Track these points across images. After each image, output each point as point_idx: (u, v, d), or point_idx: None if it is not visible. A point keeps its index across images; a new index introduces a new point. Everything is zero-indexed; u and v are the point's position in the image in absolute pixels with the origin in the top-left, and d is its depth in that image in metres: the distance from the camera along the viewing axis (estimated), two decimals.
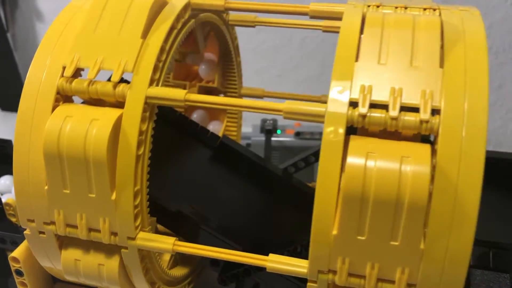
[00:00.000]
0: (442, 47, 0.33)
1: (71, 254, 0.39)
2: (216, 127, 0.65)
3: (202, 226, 0.44)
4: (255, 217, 0.46)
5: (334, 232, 0.32)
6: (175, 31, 0.39)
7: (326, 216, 0.32)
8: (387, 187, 0.30)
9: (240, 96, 0.62)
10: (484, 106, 0.30)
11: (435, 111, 0.31)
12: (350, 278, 0.32)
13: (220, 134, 0.63)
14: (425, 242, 0.30)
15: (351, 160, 0.30)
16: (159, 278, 0.42)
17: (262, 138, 0.70)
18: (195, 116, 0.63)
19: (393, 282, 0.32)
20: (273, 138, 0.71)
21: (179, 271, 0.46)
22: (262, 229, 0.45)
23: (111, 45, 0.37)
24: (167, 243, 0.36)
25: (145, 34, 0.37)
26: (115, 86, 0.36)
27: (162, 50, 0.37)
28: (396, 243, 0.31)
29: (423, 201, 0.29)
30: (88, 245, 0.39)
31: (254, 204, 0.46)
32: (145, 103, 0.35)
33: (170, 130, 0.52)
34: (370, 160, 0.30)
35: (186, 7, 0.40)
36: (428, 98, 0.31)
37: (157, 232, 0.39)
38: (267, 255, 0.36)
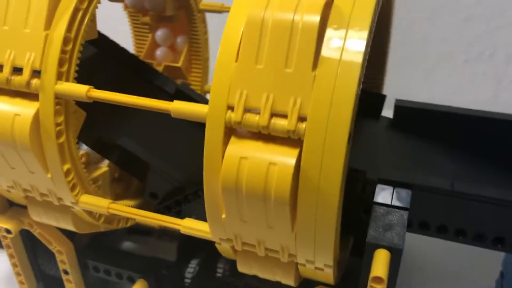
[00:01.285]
0: (323, 36, 0.33)
1: (35, 210, 0.47)
2: (183, 41, 0.66)
3: (152, 168, 0.49)
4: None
5: (223, 216, 0.36)
6: (80, 13, 0.39)
7: (215, 203, 0.36)
8: (256, 186, 0.33)
9: (200, 11, 0.61)
10: (347, 117, 0.31)
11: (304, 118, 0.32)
12: (244, 246, 0.38)
13: (185, 48, 0.65)
14: (294, 228, 0.35)
15: (225, 164, 0.34)
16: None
17: None
18: (159, 34, 0.64)
19: None
20: None
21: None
22: None
23: (19, 40, 0.38)
24: (102, 207, 0.43)
25: (48, 24, 0.38)
26: (27, 83, 0.38)
27: (66, 40, 0.38)
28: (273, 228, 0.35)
29: (285, 200, 0.33)
30: (46, 203, 0.46)
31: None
32: (56, 97, 0.38)
33: (130, 75, 0.55)
34: (242, 165, 0.33)
35: None
36: (296, 106, 0.32)
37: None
38: None
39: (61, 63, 0.38)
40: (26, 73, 0.38)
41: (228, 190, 0.34)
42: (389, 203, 0.40)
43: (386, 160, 0.45)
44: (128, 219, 0.52)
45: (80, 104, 0.42)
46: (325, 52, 0.32)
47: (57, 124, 0.39)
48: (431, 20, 0.81)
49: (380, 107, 0.50)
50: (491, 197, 0.39)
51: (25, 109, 0.39)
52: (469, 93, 0.84)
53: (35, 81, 0.38)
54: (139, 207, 0.54)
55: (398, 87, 0.85)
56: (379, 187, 0.41)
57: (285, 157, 0.33)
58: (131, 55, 0.57)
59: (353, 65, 0.32)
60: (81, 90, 0.38)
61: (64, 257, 0.50)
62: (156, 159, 0.49)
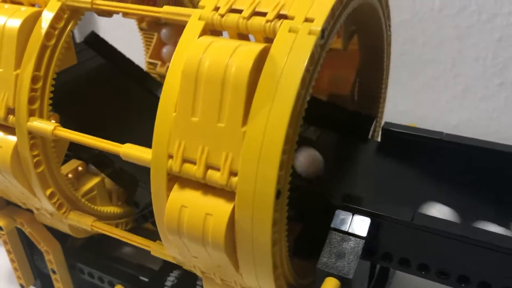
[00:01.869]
0: (255, 89, 0.32)
1: (38, 214, 0.51)
2: None
3: (140, 183, 0.53)
4: None
5: (177, 249, 0.38)
6: (48, 50, 0.41)
7: (167, 239, 0.38)
8: (195, 234, 0.35)
9: None
10: (273, 173, 0.31)
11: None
12: (203, 273, 0.40)
13: None
14: (239, 270, 0.36)
15: (168, 210, 0.35)
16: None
17: None
18: (165, 32, 0.65)
19: None
20: None
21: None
22: None
23: None
24: (87, 224, 0.47)
25: (18, 64, 0.40)
26: (5, 119, 0.41)
27: (35, 79, 0.40)
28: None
29: (221, 248, 0.34)
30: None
31: None
32: (29, 133, 0.41)
33: (135, 86, 0.58)
34: (183, 212, 0.35)
35: (58, 16, 0.41)
36: (227, 161, 0.33)
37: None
38: None
39: (31, 101, 0.41)
40: (2, 110, 0.41)
41: (172, 233, 0.36)
42: (346, 230, 0.40)
43: (358, 186, 0.44)
44: (127, 223, 0.55)
45: (76, 118, 0.45)
46: (255, 107, 0.32)
47: (34, 156, 0.42)
48: (462, 39, 0.73)
49: (367, 129, 0.49)
50: (452, 232, 0.37)
51: (6, 142, 0.42)
52: (505, 118, 0.76)
53: (11, 118, 0.41)
54: None
55: (425, 110, 0.79)
56: (338, 212, 0.40)
57: (221, 209, 0.34)
58: (136, 66, 0.59)
59: (281, 122, 0.31)
60: (48, 128, 0.40)
61: (51, 257, 0.53)
62: (139, 170, 0.52)
